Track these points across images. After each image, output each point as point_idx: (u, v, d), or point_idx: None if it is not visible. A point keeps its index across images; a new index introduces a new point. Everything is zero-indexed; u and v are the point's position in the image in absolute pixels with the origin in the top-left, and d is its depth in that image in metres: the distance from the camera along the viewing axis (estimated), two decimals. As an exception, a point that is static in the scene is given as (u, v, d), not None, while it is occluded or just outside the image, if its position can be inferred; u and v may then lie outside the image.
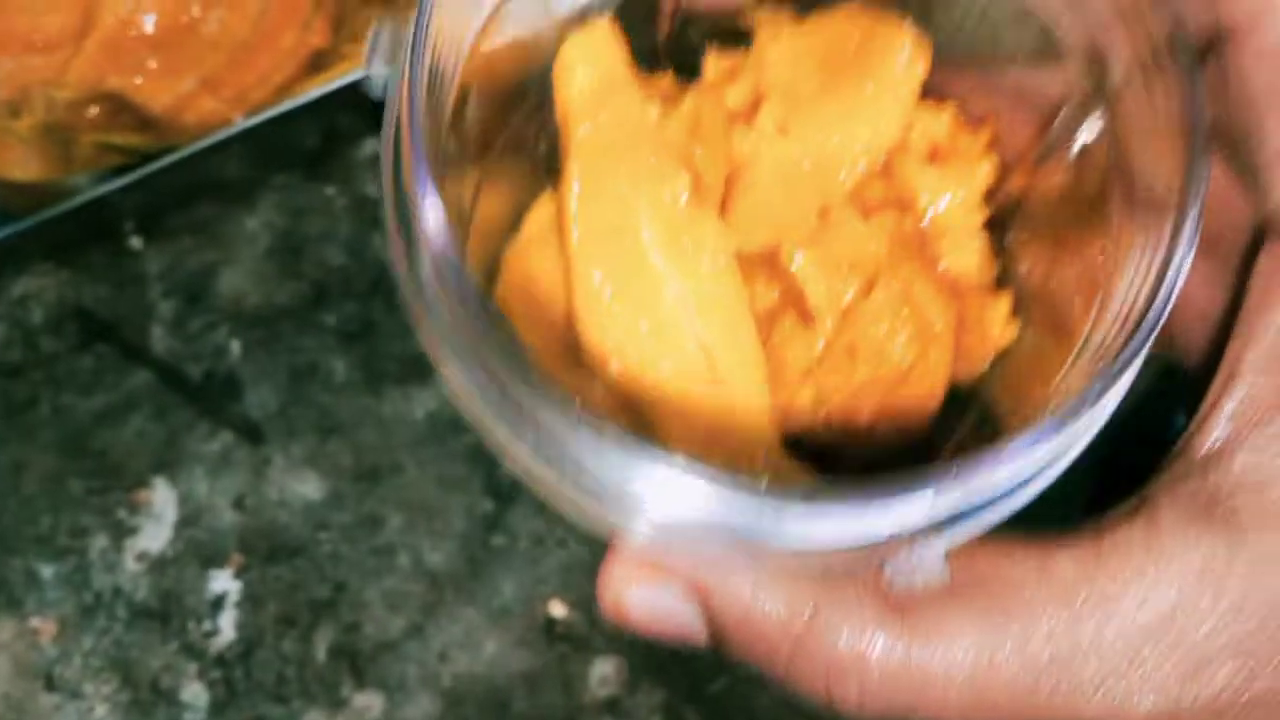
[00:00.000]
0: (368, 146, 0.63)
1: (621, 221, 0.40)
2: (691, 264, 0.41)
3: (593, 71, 0.41)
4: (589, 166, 0.41)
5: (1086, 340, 0.36)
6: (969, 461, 0.29)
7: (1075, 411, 0.30)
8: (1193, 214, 0.32)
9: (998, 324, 0.42)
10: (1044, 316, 0.41)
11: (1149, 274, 0.32)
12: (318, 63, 0.56)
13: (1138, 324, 0.31)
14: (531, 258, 0.44)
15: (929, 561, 0.32)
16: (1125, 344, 0.31)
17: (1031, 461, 0.31)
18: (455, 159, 0.39)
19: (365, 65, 0.34)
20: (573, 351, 0.42)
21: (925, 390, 0.41)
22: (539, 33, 0.41)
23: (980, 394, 0.44)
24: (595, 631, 0.58)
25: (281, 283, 0.61)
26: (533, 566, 0.58)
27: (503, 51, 0.39)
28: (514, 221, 0.46)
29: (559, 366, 0.42)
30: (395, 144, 0.33)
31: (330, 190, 0.62)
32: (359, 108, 0.59)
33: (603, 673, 0.57)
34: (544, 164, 0.45)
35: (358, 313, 0.61)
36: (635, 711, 0.57)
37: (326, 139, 0.61)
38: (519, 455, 0.33)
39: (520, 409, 0.32)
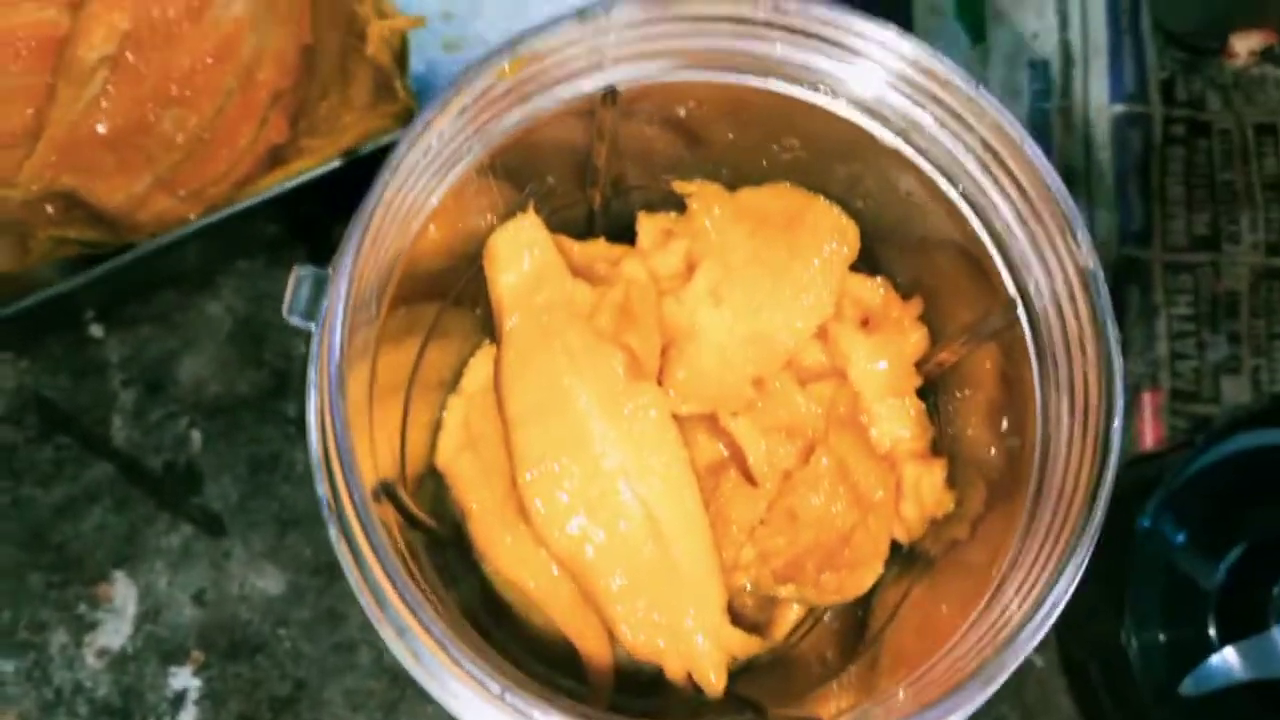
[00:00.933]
0: (334, 233, 0.62)
1: (559, 398, 0.41)
2: (632, 432, 0.41)
3: (520, 261, 0.42)
4: (523, 350, 0.42)
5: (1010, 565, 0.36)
6: None
7: (982, 684, 0.31)
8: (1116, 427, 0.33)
9: (933, 492, 0.42)
10: (982, 483, 0.42)
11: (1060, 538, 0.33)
12: (276, 157, 0.56)
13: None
14: (473, 417, 0.44)
15: None
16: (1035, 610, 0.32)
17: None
18: (394, 335, 0.39)
19: (286, 315, 0.34)
20: (519, 511, 0.42)
21: (866, 552, 0.42)
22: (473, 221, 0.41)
23: (920, 552, 0.44)
24: (559, 727, 0.57)
25: (243, 371, 0.61)
26: (496, 662, 0.58)
27: (437, 241, 0.39)
28: (456, 373, 0.46)
29: (505, 528, 0.43)
30: (322, 408, 0.33)
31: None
32: (315, 199, 0.58)
33: (566, 769, 0.57)
34: (482, 321, 0.45)
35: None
36: (599, 808, 0.57)
37: (288, 226, 0.61)
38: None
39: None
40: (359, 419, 0.34)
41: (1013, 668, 0.33)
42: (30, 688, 0.57)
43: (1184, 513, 0.57)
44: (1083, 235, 0.35)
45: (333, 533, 0.35)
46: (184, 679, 0.57)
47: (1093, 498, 0.34)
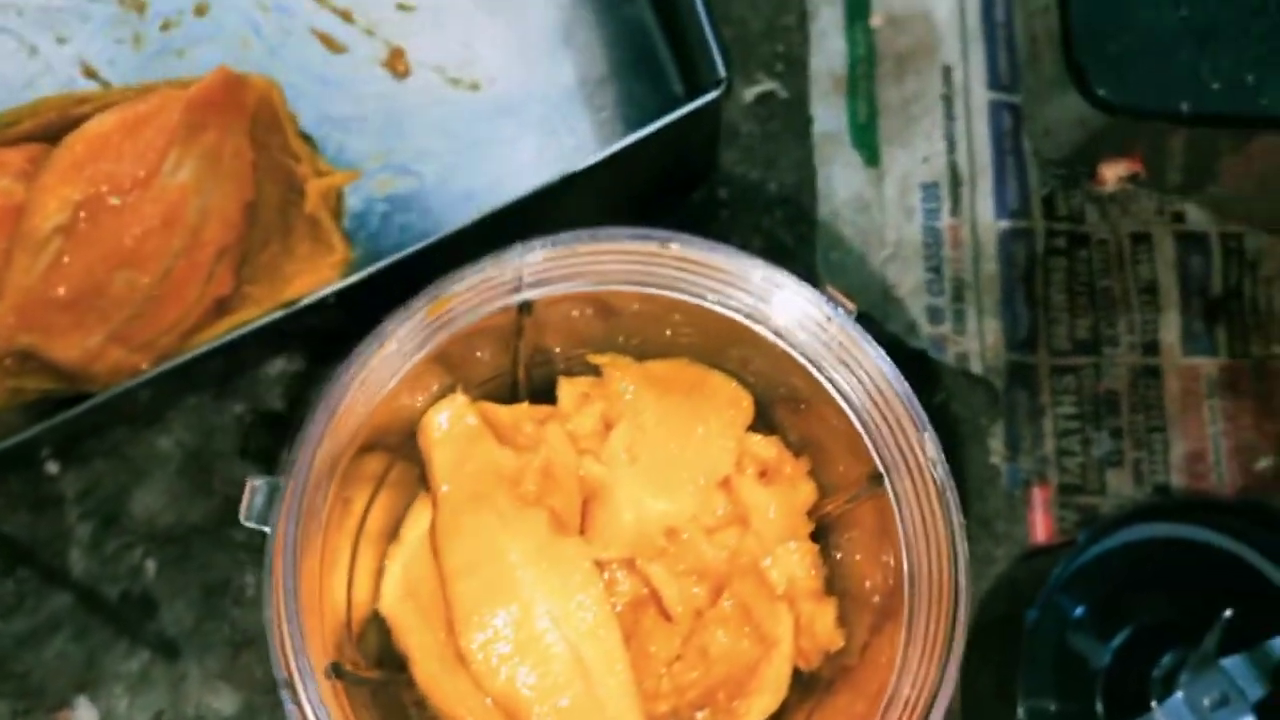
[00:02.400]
0: (273, 366, 0.66)
1: (490, 552, 0.45)
2: (557, 580, 0.46)
3: (452, 434, 0.46)
4: (456, 512, 0.46)
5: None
6: None
7: None
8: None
9: (826, 630, 0.47)
10: (865, 610, 0.47)
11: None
12: (222, 307, 0.59)
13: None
14: (412, 565, 0.49)
15: None
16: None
17: None
18: (342, 500, 0.43)
19: (243, 519, 0.38)
20: (457, 655, 0.47)
21: (771, 679, 0.47)
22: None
23: (820, 679, 0.49)
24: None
25: (193, 500, 0.64)
26: (441, 768, 0.62)
27: (377, 423, 0.43)
28: (398, 522, 0.51)
29: (445, 670, 0.47)
30: (277, 604, 0.37)
31: (239, 408, 0.65)
32: (263, 338, 0.62)
33: None
34: (420, 474, 0.50)
35: (268, 526, 0.64)
36: None
37: (232, 364, 0.65)
38: None
39: None
40: (311, 601, 0.39)
41: None
42: (-2, 812, 0.60)
43: (1075, 598, 0.62)
44: (930, 439, 0.40)
45: (288, 708, 0.39)
46: (145, 799, 0.61)
47: (949, 643, 0.38)
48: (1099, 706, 0.62)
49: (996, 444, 0.69)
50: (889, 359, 0.42)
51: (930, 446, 0.40)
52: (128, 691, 0.62)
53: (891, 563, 0.44)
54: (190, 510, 0.64)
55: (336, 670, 0.43)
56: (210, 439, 0.65)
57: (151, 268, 0.57)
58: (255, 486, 0.40)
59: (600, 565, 0.47)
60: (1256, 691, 0.57)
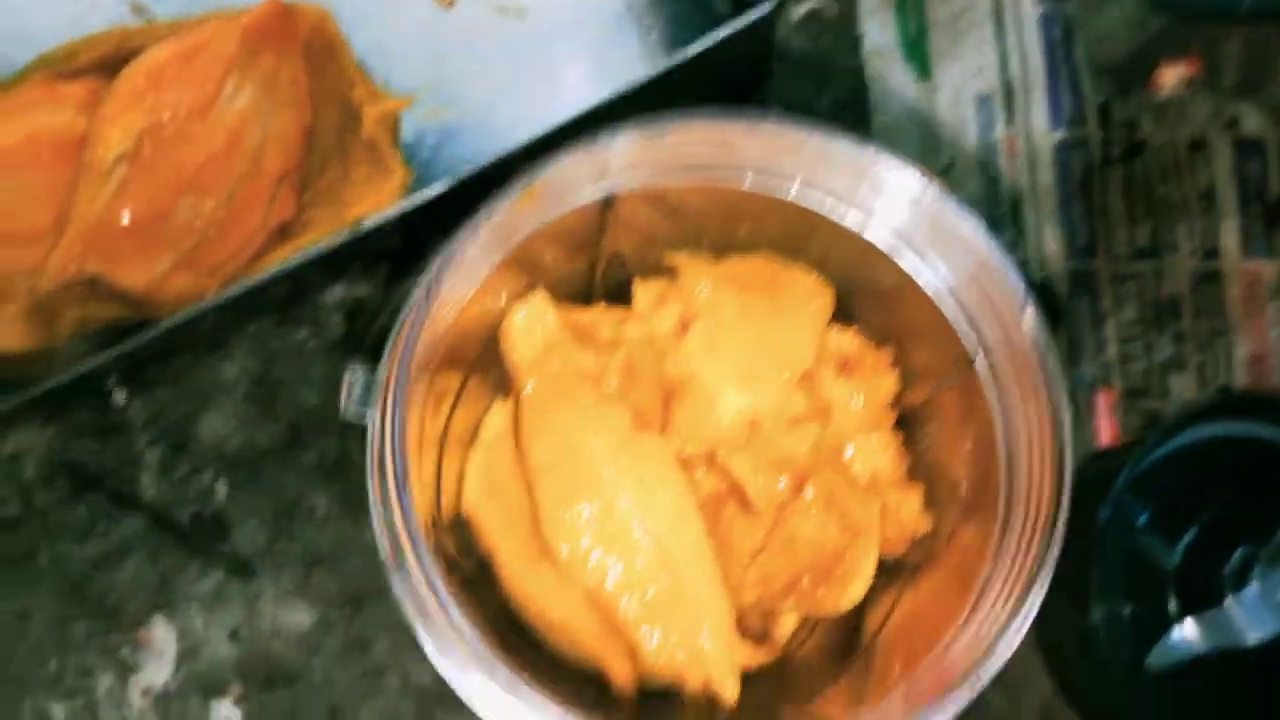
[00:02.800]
0: (333, 293, 0.66)
1: (573, 450, 0.46)
2: (640, 475, 0.46)
3: (533, 336, 0.47)
4: (539, 413, 0.47)
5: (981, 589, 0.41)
6: None
7: (970, 687, 0.36)
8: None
9: (913, 516, 0.47)
10: (952, 500, 0.47)
11: (1039, 518, 0.38)
12: (285, 231, 0.60)
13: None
14: (493, 467, 0.49)
15: None
16: (1010, 619, 0.36)
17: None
18: (430, 406, 0.44)
19: (342, 410, 0.39)
20: (542, 550, 0.47)
21: (856, 570, 0.47)
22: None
23: (907, 565, 0.49)
24: (574, 738, 0.62)
25: (260, 424, 0.65)
26: (513, 681, 0.63)
27: (462, 327, 0.44)
28: (476, 428, 0.51)
29: (530, 567, 0.48)
30: (380, 462, 0.38)
31: (301, 334, 0.66)
32: (322, 265, 0.62)
33: (583, 776, 0.62)
34: (495, 383, 0.50)
35: (334, 448, 0.65)
36: (615, 809, 0.62)
37: (294, 290, 0.65)
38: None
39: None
40: (415, 488, 0.39)
41: (996, 670, 0.38)
42: (82, 730, 0.62)
43: (1142, 500, 0.62)
44: (1030, 311, 0.40)
45: (396, 587, 0.40)
46: (226, 710, 0.62)
47: (1053, 521, 0.39)
48: (1172, 605, 0.62)
49: (1060, 352, 0.69)
50: (985, 230, 0.41)
51: (1031, 320, 0.40)
52: (203, 610, 0.63)
53: (979, 450, 0.44)
54: (258, 434, 0.65)
55: (436, 548, 0.44)
56: (273, 364, 0.66)
57: (215, 193, 0.57)
58: (354, 379, 0.40)
59: (682, 462, 0.48)
60: (1334, 582, 0.58)
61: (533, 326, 0.47)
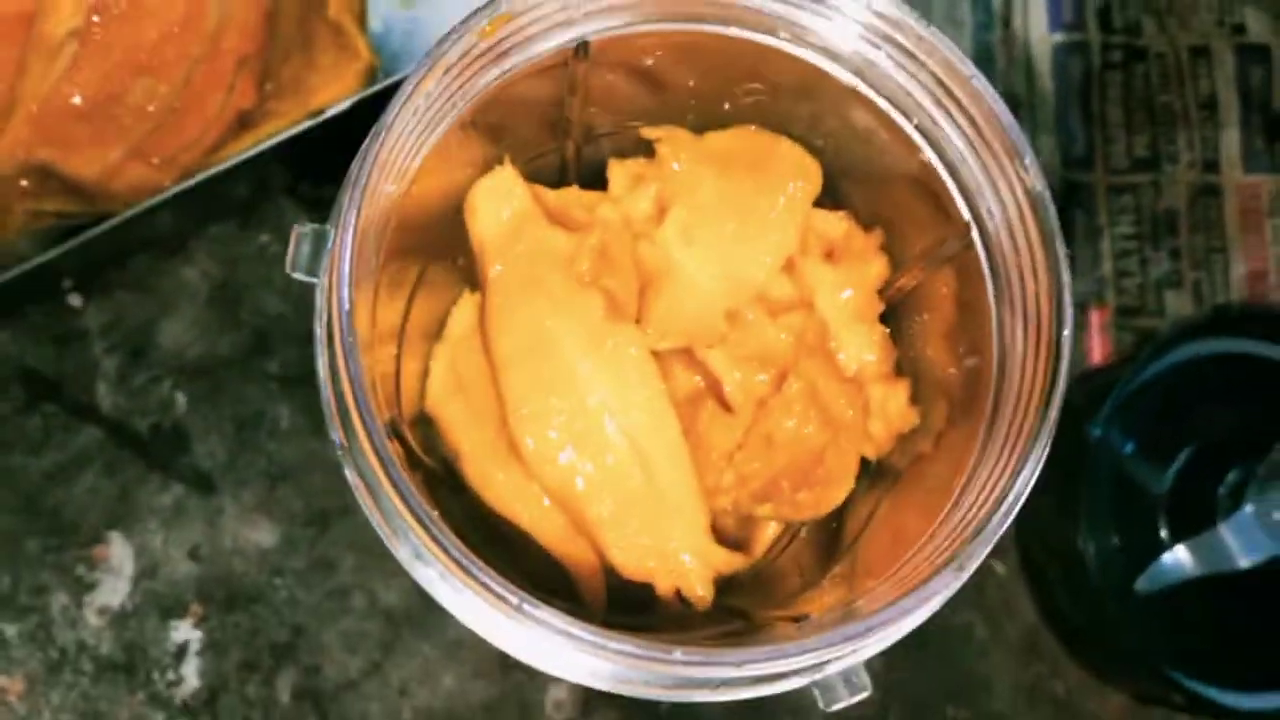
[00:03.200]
0: (298, 192, 0.63)
1: (543, 340, 0.43)
2: (613, 368, 0.43)
3: (500, 212, 0.44)
4: (507, 296, 0.44)
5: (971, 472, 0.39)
6: (873, 612, 0.32)
7: (956, 571, 0.33)
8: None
9: (899, 411, 0.45)
10: (944, 400, 0.44)
11: (1028, 413, 0.36)
12: (245, 121, 0.57)
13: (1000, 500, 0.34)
14: (459, 361, 0.46)
15: (853, 678, 0.35)
16: (1000, 501, 0.34)
17: (923, 604, 0.35)
18: (385, 291, 0.41)
19: (289, 270, 0.36)
20: (509, 448, 0.45)
21: (838, 469, 0.44)
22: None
23: (887, 466, 0.47)
24: (549, 657, 0.60)
25: (222, 332, 0.62)
26: (485, 599, 0.60)
27: (420, 197, 0.41)
28: (441, 322, 0.48)
29: (497, 465, 0.45)
30: (329, 328, 0.35)
31: (264, 238, 0.63)
32: (284, 161, 0.59)
33: (558, 697, 0.60)
34: (463, 273, 0.47)
35: (299, 358, 0.62)
36: (591, 731, 0.60)
37: (256, 189, 0.62)
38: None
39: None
40: (366, 357, 0.36)
41: (981, 556, 0.36)
42: (35, 649, 0.59)
43: (1133, 421, 0.60)
44: (1031, 161, 0.37)
45: (348, 473, 0.38)
46: (185, 632, 0.59)
47: (1047, 400, 0.36)
48: (1162, 529, 0.60)
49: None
50: (987, 82, 0.39)
51: (1035, 174, 0.37)
52: (162, 526, 0.60)
53: (971, 337, 0.42)
54: (219, 342, 0.62)
55: (393, 430, 0.41)
56: (236, 269, 0.63)
57: (170, 75, 0.54)
58: (302, 233, 0.38)
59: (657, 357, 0.45)
60: (1330, 505, 0.56)
61: (499, 201, 0.44)
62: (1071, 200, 0.67)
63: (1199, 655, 0.58)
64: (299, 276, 0.37)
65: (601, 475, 0.43)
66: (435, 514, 0.34)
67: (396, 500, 0.35)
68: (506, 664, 0.60)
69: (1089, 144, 0.67)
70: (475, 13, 0.37)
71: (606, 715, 0.60)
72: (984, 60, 0.67)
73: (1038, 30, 0.68)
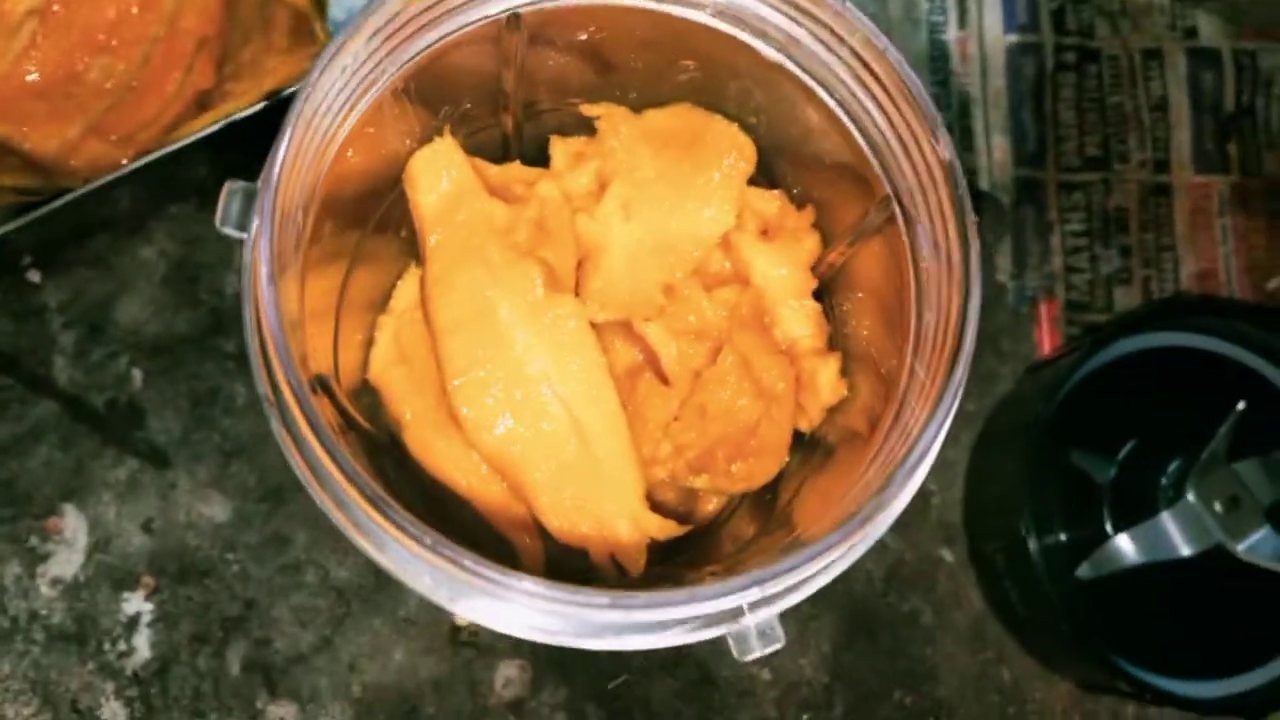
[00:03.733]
0: (256, 174, 0.64)
1: (482, 309, 0.44)
2: (551, 339, 0.44)
3: (439, 182, 0.44)
4: (447, 265, 0.45)
5: (894, 420, 0.39)
6: (786, 559, 0.33)
7: (861, 521, 0.34)
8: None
9: (829, 383, 0.45)
10: (873, 373, 0.45)
11: (935, 378, 0.36)
12: (203, 102, 0.58)
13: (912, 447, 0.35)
14: (403, 333, 0.47)
15: (767, 631, 0.35)
16: (906, 456, 0.35)
17: (837, 554, 0.35)
18: (319, 259, 0.42)
19: (219, 226, 0.37)
20: (449, 417, 0.45)
21: (771, 441, 0.45)
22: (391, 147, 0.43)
23: (820, 440, 0.48)
24: (499, 636, 0.61)
25: (179, 310, 0.63)
26: (435, 577, 0.61)
27: (357, 163, 0.41)
28: (385, 295, 0.49)
29: (438, 434, 0.46)
30: (256, 304, 0.36)
31: (225, 218, 0.64)
32: (241, 143, 0.60)
33: (507, 675, 0.61)
34: (407, 244, 0.48)
35: (257, 337, 0.63)
36: (539, 710, 0.60)
37: (216, 169, 0.63)
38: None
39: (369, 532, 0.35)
40: (291, 322, 0.37)
41: (890, 511, 0.36)
42: (-13, 619, 0.60)
43: (1079, 412, 0.61)
44: (942, 132, 0.38)
45: (274, 424, 0.38)
46: (136, 603, 0.60)
47: (954, 359, 0.37)
48: (1106, 518, 0.61)
49: (1004, 261, 0.67)
50: (901, 56, 0.40)
51: (945, 144, 0.38)
52: (116, 499, 0.61)
53: (894, 308, 0.43)
54: (176, 320, 0.63)
55: (323, 385, 0.41)
56: (194, 249, 0.63)
57: (129, 54, 0.55)
58: (232, 190, 0.38)
59: (596, 329, 0.46)
60: (1270, 495, 0.57)
61: (438, 171, 0.45)
62: (1023, 197, 0.68)
63: (1143, 642, 0.59)
64: (228, 231, 0.38)
65: (538, 443, 0.44)
66: (349, 450, 0.35)
67: (311, 439, 0.35)
68: (457, 641, 0.60)
69: (1041, 142, 0.68)
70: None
71: (555, 692, 0.60)
72: (940, 59, 0.69)
73: (993, 31, 0.69)
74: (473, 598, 0.37)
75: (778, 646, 0.37)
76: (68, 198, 0.56)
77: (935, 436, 0.36)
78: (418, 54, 0.40)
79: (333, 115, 0.39)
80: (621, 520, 0.44)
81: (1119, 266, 0.68)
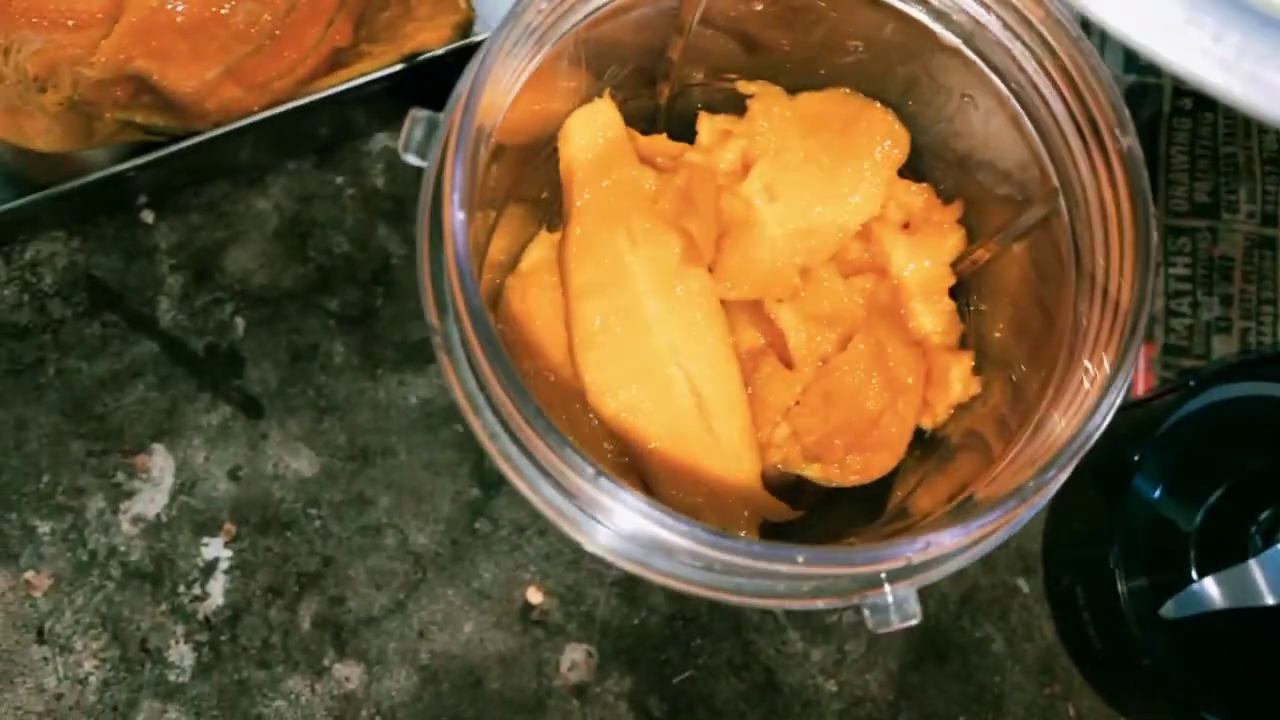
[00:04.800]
0: (377, 141, 0.65)
1: (619, 275, 0.44)
2: (683, 312, 0.44)
3: (594, 142, 0.45)
4: (590, 226, 0.45)
5: (1040, 417, 0.39)
6: (939, 530, 0.33)
7: (1022, 497, 0.34)
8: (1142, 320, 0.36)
9: (960, 380, 0.45)
10: (1004, 377, 0.45)
11: (1103, 366, 0.36)
12: (337, 59, 0.58)
13: (1085, 421, 0.35)
14: (529, 293, 0.47)
15: (905, 604, 0.35)
16: (1071, 440, 0.35)
17: (988, 531, 0.35)
18: (477, 210, 0.42)
19: (402, 152, 0.37)
20: (571, 384, 0.45)
21: (892, 435, 0.45)
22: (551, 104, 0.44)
23: (942, 439, 0.47)
24: (569, 619, 0.60)
25: (287, 265, 0.63)
26: (514, 553, 0.61)
27: (522, 117, 0.42)
28: (514, 257, 0.50)
29: (557, 398, 0.46)
30: (433, 212, 0.36)
31: (339, 179, 0.64)
32: (370, 104, 0.61)
33: (574, 659, 0.60)
34: (544, 208, 0.49)
35: (359, 299, 0.63)
36: (603, 697, 0.60)
37: (338, 130, 0.64)
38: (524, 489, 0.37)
39: (532, 457, 0.35)
40: (474, 248, 0.37)
41: (1053, 485, 0.36)
42: (66, 549, 0.60)
43: (1170, 454, 0.61)
44: (1128, 121, 0.38)
45: (439, 354, 0.38)
46: (215, 549, 0.60)
47: (1126, 345, 0.36)
48: (1193, 565, 0.61)
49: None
50: (1090, 44, 0.39)
51: (1131, 136, 0.38)
52: (206, 444, 0.61)
53: (1045, 317, 0.42)
54: (284, 274, 0.63)
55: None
56: (308, 206, 0.64)
57: (275, 3, 0.55)
58: (417, 118, 0.39)
59: (725, 307, 0.46)
60: (1363, 545, 0.56)
61: (593, 131, 0.45)
62: (1129, 236, 0.68)
63: (1222, 687, 0.59)
64: (410, 158, 0.39)
65: (659, 414, 0.44)
66: (523, 380, 0.35)
67: (486, 367, 0.35)
68: (527, 619, 0.60)
69: (1152, 184, 0.68)
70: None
71: (620, 681, 0.60)
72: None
73: (1113, 70, 0.69)
74: (631, 543, 0.37)
75: (914, 622, 0.36)
76: (195, 139, 0.57)
77: (1106, 414, 0.36)
78: (594, 11, 0.41)
79: (517, 61, 0.39)
80: (735, 498, 0.44)
81: (1219, 315, 0.67)
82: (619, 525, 0.36)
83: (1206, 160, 0.69)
